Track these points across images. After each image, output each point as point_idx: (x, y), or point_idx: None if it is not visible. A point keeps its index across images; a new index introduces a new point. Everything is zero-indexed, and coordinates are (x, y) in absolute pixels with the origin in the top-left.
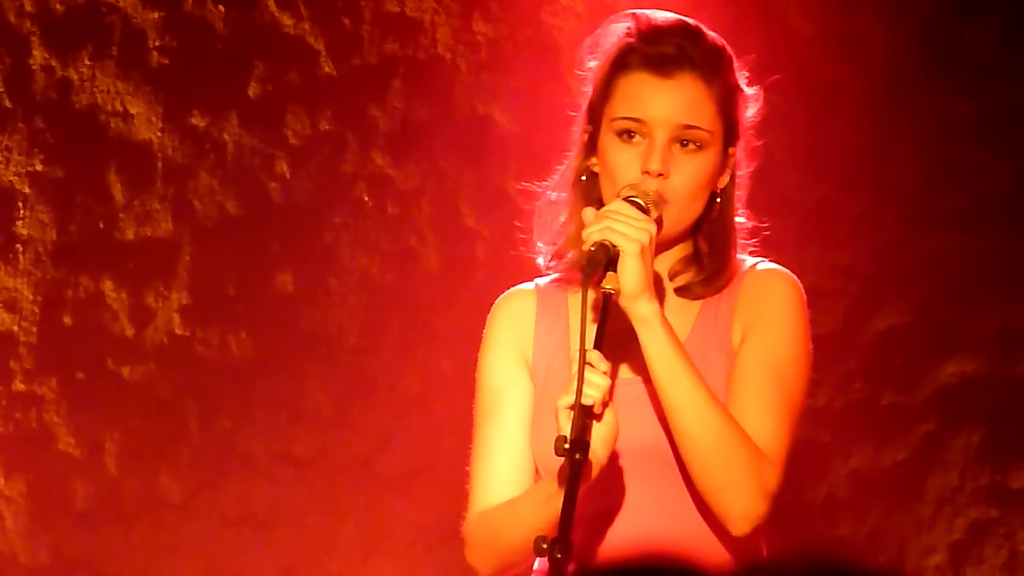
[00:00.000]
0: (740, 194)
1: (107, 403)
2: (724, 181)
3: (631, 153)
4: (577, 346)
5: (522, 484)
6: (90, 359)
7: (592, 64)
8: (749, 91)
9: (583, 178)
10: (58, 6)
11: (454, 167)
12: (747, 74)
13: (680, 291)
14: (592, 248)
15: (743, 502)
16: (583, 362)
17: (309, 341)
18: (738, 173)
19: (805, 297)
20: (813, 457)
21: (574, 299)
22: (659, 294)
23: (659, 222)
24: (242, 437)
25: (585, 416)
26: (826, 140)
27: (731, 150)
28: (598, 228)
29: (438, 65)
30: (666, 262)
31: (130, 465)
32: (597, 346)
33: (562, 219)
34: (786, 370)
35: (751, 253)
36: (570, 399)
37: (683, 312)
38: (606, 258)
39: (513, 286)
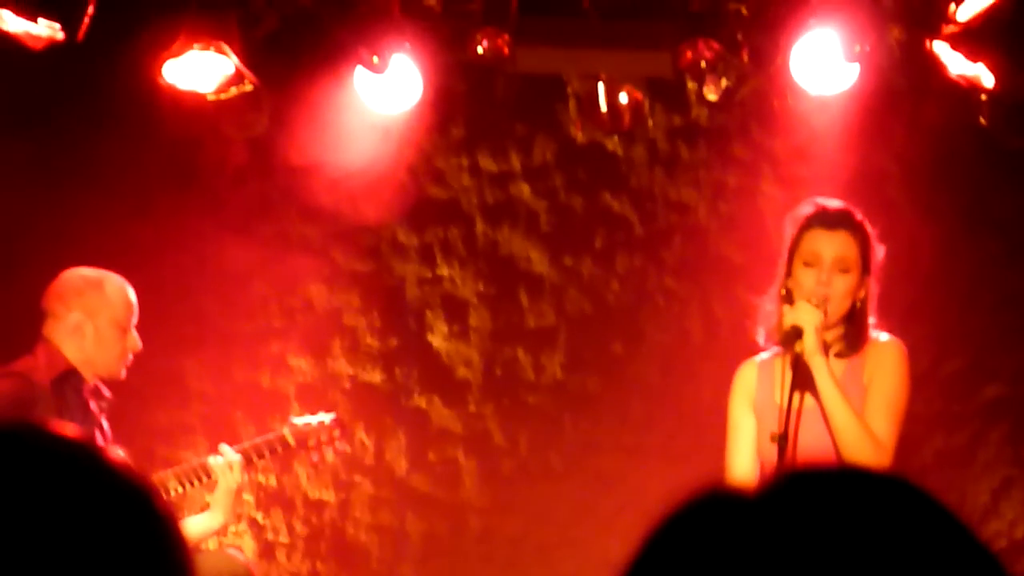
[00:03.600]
0: (871, 302)
1: None
2: (861, 294)
3: (811, 274)
4: (780, 391)
5: (752, 473)
6: None
7: (789, 229)
8: (879, 247)
9: (783, 293)
10: None
11: (719, 288)
12: (876, 237)
13: (836, 354)
14: (788, 328)
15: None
16: (790, 396)
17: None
18: (870, 291)
19: (907, 353)
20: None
21: (779, 362)
22: (825, 354)
23: (824, 314)
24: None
25: (788, 420)
26: (918, 274)
27: (866, 278)
28: (792, 316)
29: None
30: (828, 336)
31: None
32: (793, 386)
33: (773, 319)
34: (894, 399)
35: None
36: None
37: (838, 364)
38: (796, 333)
39: (745, 359)
